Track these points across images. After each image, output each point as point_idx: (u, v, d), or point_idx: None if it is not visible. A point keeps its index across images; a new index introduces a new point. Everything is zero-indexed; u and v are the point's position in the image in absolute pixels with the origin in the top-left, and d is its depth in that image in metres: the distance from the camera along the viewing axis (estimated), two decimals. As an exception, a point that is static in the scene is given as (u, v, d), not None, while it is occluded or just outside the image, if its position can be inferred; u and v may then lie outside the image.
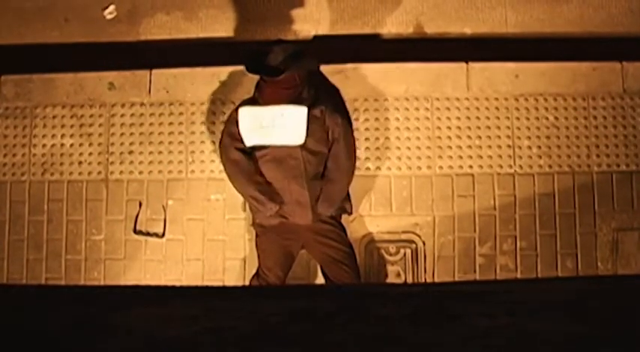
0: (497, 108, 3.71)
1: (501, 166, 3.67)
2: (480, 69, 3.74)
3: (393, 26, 4.04)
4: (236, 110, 3.39)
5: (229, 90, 3.76)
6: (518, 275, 3.58)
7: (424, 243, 3.63)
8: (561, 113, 3.70)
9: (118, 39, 4.09)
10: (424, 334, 1.15)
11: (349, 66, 3.75)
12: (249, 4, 4.09)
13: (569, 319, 1.17)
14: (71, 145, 3.78)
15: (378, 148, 3.69)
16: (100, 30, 4.11)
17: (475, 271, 3.61)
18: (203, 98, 3.77)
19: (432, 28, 4.03)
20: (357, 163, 3.57)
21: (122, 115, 3.79)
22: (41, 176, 3.77)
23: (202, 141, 3.74)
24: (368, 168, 3.67)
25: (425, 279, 3.61)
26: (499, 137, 3.69)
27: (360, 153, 3.66)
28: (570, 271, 3.58)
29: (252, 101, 3.39)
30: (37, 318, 1.22)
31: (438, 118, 3.71)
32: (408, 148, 3.69)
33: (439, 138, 3.69)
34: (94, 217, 3.72)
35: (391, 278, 3.63)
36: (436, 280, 3.61)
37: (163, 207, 3.71)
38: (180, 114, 3.77)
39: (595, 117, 3.70)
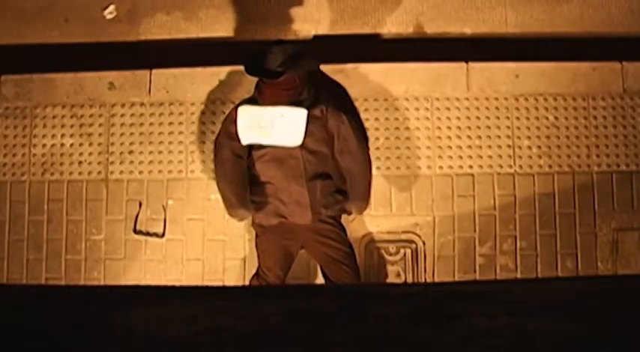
0: (497, 108, 3.71)
1: (501, 166, 3.67)
2: (480, 69, 3.74)
3: (393, 26, 4.04)
4: (235, 109, 3.38)
5: (229, 90, 3.76)
6: (518, 275, 3.59)
7: (424, 243, 3.63)
8: (561, 113, 3.70)
9: (118, 39, 4.09)
10: (424, 334, 1.15)
11: (349, 66, 3.75)
12: (249, 4, 4.09)
13: (569, 319, 1.17)
14: (71, 145, 3.78)
15: (378, 148, 3.69)
16: (100, 30, 4.11)
17: (475, 271, 3.61)
18: (203, 98, 3.77)
19: (432, 28, 4.03)
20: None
21: (122, 115, 3.79)
22: (41, 176, 3.77)
23: (202, 141, 3.74)
24: (368, 168, 3.67)
25: (425, 279, 3.61)
26: (499, 137, 3.69)
27: (360, 153, 3.66)
28: (570, 271, 3.58)
29: (251, 101, 3.39)
30: (37, 318, 1.22)
31: (438, 118, 3.71)
32: (408, 148, 3.69)
33: (439, 138, 3.69)
34: (94, 217, 3.72)
35: (391, 278, 3.63)
36: (436, 280, 3.61)
37: (163, 206, 3.71)
38: (180, 114, 3.77)
39: (595, 117, 3.70)
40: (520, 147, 3.67)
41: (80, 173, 3.76)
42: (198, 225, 3.67)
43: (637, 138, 3.68)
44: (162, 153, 3.75)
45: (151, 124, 3.77)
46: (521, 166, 3.66)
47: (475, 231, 3.63)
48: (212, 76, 3.78)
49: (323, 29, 4.04)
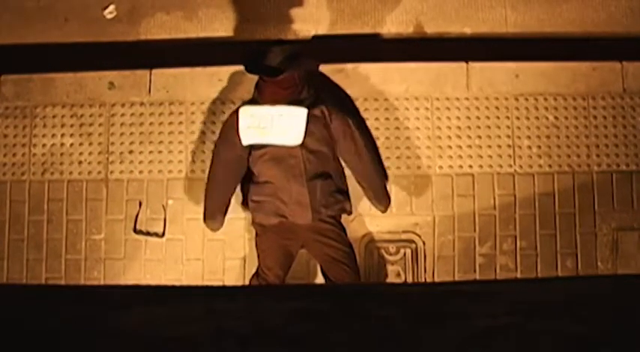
0: (497, 108, 3.71)
1: (501, 166, 3.67)
2: (480, 69, 3.74)
3: (392, 26, 4.04)
4: (236, 111, 3.40)
5: (229, 90, 3.75)
6: (518, 275, 3.59)
7: (424, 243, 3.63)
8: (561, 113, 3.70)
9: (118, 38, 4.09)
10: (424, 334, 1.15)
11: (349, 65, 3.75)
12: (249, 4, 4.09)
13: (569, 319, 1.17)
14: (71, 145, 3.78)
15: (377, 148, 3.69)
16: (100, 29, 4.10)
17: (475, 271, 3.61)
18: (203, 97, 3.77)
19: (432, 28, 4.03)
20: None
21: (122, 115, 3.79)
22: (41, 176, 3.77)
23: (202, 141, 3.74)
24: (368, 168, 3.67)
25: (425, 279, 3.61)
26: (499, 137, 3.69)
27: (360, 152, 3.66)
28: (570, 271, 3.58)
29: (252, 101, 3.40)
30: (37, 318, 1.22)
31: (438, 118, 3.71)
32: (408, 148, 3.69)
33: (439, 137, 3.69)
34: (94, 217, 3.72)
35: (391, 278, 3.63)
36: (436, 280, 3.61)
37: (163, 206, 3.71)
38: (180, 113, 3.77)
39: (595, 117, 3.70)
40: (520, 147, 3.67)
41: (80, 173, 3.76)
42: (198, 224, 3.67)
43: (637, 137, 3.68)
44: (162, 152, 3.75)
45: (151, 124, 3.77)
46: (521, 166, 3.66)
47: (475, 230, 3.63)
48: (212, 75, 3.78)
49: (323, 29, 4.04)
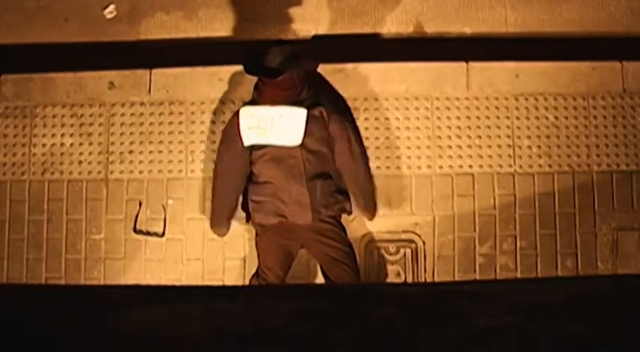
0: (497, 108, 3.71)
1: (501, 166, 3.67)
2: (480, 68, 3.74)
3: (392, 26, 4.04)
4: (236, 113, 3.40)
5: (229, 90, 3.76)
6: (518, 275, 3.59)
7: (424, 243, 3.63)
8: (561, 113, 3.70)
9: (118, 38, 4.08)
10: (424, 334, 1.15)
11: (349, 65, 3.75)
12: (249, 4, 4.09)
13: (569, 319, 1.17)
14: (71, 145, 3.78)
15: (378, 148, 3.69)
16: (100, 29, 4.10)
17: (475, 271, 3.61)
18: (203, 97, 3.77)
19: (432, 28, 4.03)
20: (357, 163, 3.59)
21: (122, 115, 3.79)
22: (41, 175, 3.76)
23: (202, 141, 3.74)
24: (368, 168, 3.67)
25: (425, 279, 3.61)
26: (499, 137, 3.69)
27: (360, 152, 3.66)
28: (570, 271, 3.58)
29: (251, 102, 3.41)
30: (37, 318, 1.22)
31: (438, 118, 3.71)
32: (408, 148, 3.69)
33: (439, 137, 3.69)
34: (94, 216, 3.72)
35: (391, 278, 3.63)
36: (436, 280, 3.61)
37: (163, 206, 3.71)
38: (180, 113, 3.77)
39: (595, 117, 3.70)
40: (520, 147, 3.67)
41: (80, 172, 3.76)
42: (198, 224, 3.67)
43: (637, 137, 3.68)
44: (162, 152, 3.75)
45: (150, 124, 3.77)
46: (521, 166, 3.66)
47: (475, 230, 3.63)
48: (212, 75, 3.78)
49: (323, 29, 4.04)
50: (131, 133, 3.77)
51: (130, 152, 3.76)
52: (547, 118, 3.70)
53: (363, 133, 3.69)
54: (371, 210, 3.54)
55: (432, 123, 3.71)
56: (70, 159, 3.77)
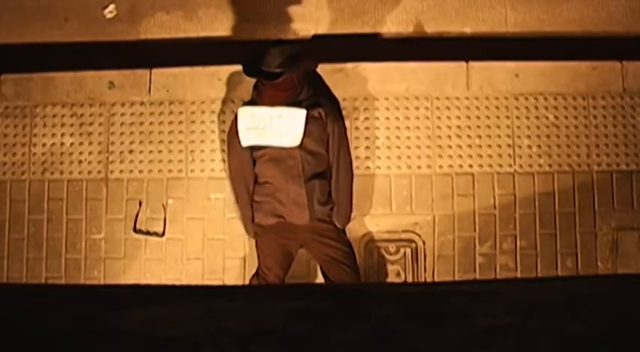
0: (497, 108, 3.71)
1: (501, 165, 3.67)
2: (480, 68, 3.74)
3: (392, 25, 4.04)
4: (236, 114, 3.40)
5: (229, 89, 3.76)
6: (518, 275, 3.59)
7: (424, 243, 3.63)
8: (561, 112, 3.70)
9: (118, 38, 4.08)
10: (424, 333, 1.15)
11: (349, 65, 3.75)
12: (249, 4, 4.09)
13: (569, 319, 1.17)
14: (71, 144, 3.78)
15: (378, 147, 3.69)
16: (100, 29, 4.10)
17: (475, 270, 3.61)
18: (203, 97, 3.77)
19: (432, 28, 4.02)
20: (357, 163, 3.59)
21: (122, 114, 3.79)
22: (41, 175, 3.76)
23: (202, 140, 3.74)
24: (368, 168, 3.67)
25: (425, 279, 3.61)
26: (499, 136, 3.69)
27: (360, 152, 3.67)
28: (570, 270, 3.58)
29: (251, 102, 3.41)
30: (37, 318, 1.22)
31: (438, 117, 3.71)
32: (408, 147, 3.69)
33: (439, 137, 3.69)
34: (94, 216, 3.72)
35: (391, 278, 3.63)
36: (436, 279, 3.61)
37: (163, 206, 3.71)
38: (180, 113, 3.77)
39: (595, 117, 3.70)
40: (520, 147, 3.67)
41: (80, 172, 3.75)
42: (198, 224, 3.67)
43: (637, 137, 3.68)
44: (162, 152, 3.75)
45: (150, 123, 3.77)
46: (521, 165, 3.66)
47: (475, 230, 3.63)
48: (212, 75, 3.78)
49: (322, 28, 4.03)
50: (131, 133, 3.77)
51: (130, 152, 3.76)
52: (547, 118, 3.70)
53: (364, 133, 3.69)
54: (341, 221, 3.45)
55: (432, 122, 3.70)
56: (70, 158, 3.77)
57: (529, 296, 1.35)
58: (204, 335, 1.14)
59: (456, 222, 3.63)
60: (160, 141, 3.76)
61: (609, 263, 3.60)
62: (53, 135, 3.80)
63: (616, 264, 3.60)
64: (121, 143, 3.77)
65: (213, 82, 3.77)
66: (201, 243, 3.68)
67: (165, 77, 3.81)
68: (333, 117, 3.41)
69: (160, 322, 1.20)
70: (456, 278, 3.61)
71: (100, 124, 3.79)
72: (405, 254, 3.64)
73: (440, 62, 3.76)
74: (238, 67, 3.59)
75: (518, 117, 3.70)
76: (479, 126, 3.69)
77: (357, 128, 3.69)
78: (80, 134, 3.79)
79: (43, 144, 3.79)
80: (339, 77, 3.73)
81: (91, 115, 3.80)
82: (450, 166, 3.67)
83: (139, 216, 3.70)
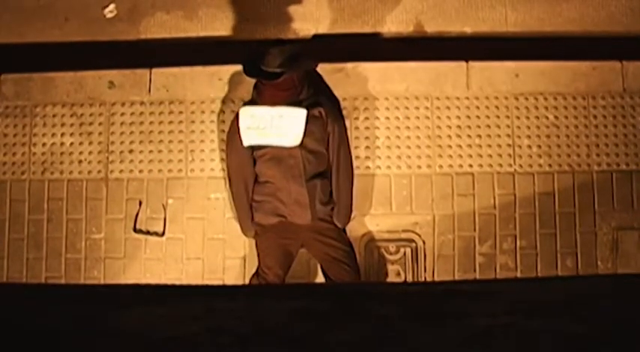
0: (497, 108, 3.71)
1: (501, 165, 3.67)
2: (480, 68, 3.74)
3: (392, 25, 4.03)
4: (237, 114, 3.40)
5: (229, 89, 3.75)
6: (518, 275, 3.59)
7: (424, 242, 3.63)
8: (561, 112, 3.70)
9: (118, 38, 4.08)
10: (424, 333, 1.15)
11: (349, 65, 3.75)
12: (249, 4, 4.09)
13: (569, 318, 1.17)
14: (71, 144, 3.78)
15: (378, 147, 3.69)
16: (100, 29, 4.10)
17: (475, 270, 3.61)
18: (203, 97, 3.77)
19: (431, 27, 4.02)
20: (357, 162, 3.59)
21: (122, 114, 3.79)
22: (41, 175, 3.76)
23: (202, 140, 3.74)
24: (368, 167, 3.67)
25: (425, 278, 3.61)
26: (499, 136, 3.69)
27: (360, 152, 3.66)
28: (570, 270, 3.58)
29: (251, 102, 3.41)
30: (37, 318, 1.22)
31: (438, 117, 3.71)
32: (408, 147, 3.69)
33: (439, 137, 3.69)
34: (94, 216, 3.72)
35: (391, 277, 3.63)
36: (436, 279, 3.61)
37: (163, 205, 3.71)
38: (180, 112, 3.77)
39: (595, 117, 3.70)
40: (520, 147, 3.67)
41: (80, 172, 3.75)
42: (198, 223, 3.67)
43: (637, 137, 3.68)
44: (162, 152, 3.75)
45: (150, 123, 3.77)
46: (521, 165, 3.66)
47: (475, 230, 3.63)
48: (212, 75, 3.78)
49: (323, 28, 4.03)
50: (131, 133, 3.77)
51: (130, 151, 3.76)
52: (547, 118, 3.70)
53: (364, 133, 3.69)
54: (342, 220, 3.46)
55: (432, 122, 3.70)
56: (70, 158, 3.77)
57: (529, 296, 1.35)
58: (204, 334, 1.14)
59: (456, 222, 3.63)
60: (160, 141, 3.75)
61: (609, 263, 3.60)
62: (53, 135, 3.80)
63: (616, 263, 3.60)
64: (121, 143, 3.77)
65: (213, 81, 3.77)
66: (201, 242, 3.68)
67: (166, 77, 3.80)
68: (333, 116, 3.42)
69: (160, 322, 1.20)
70: (456, 277, 3.61)
71: (100, 124, 3.79)
72: (405, 253, 3.64)
73: (440, 62, 3.76)
74: (238, 67, 3.59)
75: (518, 117, 3.70)
76: (479, 126, 3.69)
77: (357, 128, 3.69)
78: (80, 134, 3.79)
79: (43, 144, 3.79)
80: (339, 77, 3.73)
81: (91, 115, 3.80)
82: (450, 166, 3.67)
83: (139, 215, 3.70)
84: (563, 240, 3.61)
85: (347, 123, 3.61)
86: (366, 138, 3.69)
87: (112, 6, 4.11)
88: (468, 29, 4.01)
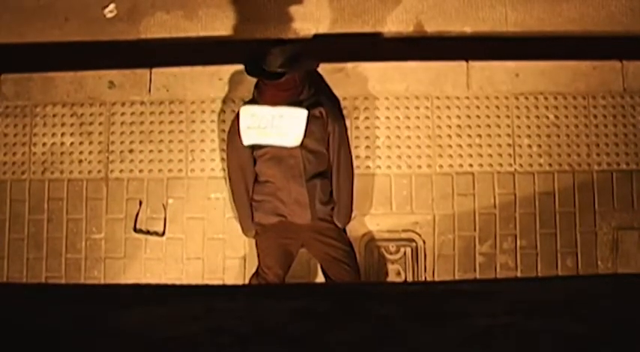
0: (497, 107, 3.70)
1: (501, 165, 3.67)
2: (480, 68, 3.74)
3: (393, 25, 4.03)
4: (238, 113, 3.41)
5: (229, 89, 3.75)
6: (519, 274, 3.59)
7: (424, 242, 3.63)
8: (561, 112, 3.70)
9: (118, 37, 4.08)
10: (424, 333, 1.15)
11: (349, 64, 3.75)
12: (249, 3, 4.09)
13: (569, 318, 1.17)
14: (71, 144, 3.78)
15: (378, 147, 3.69)
16: (100, 29, 4.10)
17: (475, 270, 3.61)
18: (203, 97, 3.77)
19: (432, 27, 4.02)
20: (358, 162, 3.59)
21: (122, 114, 3.79)
22: (41, 175, 3.77)
23: (202, 140, 3.74)
24: (368, 167, 3.67)
25: (425, 278, 3.61)
26: (499, 136, 3.69)
27: (361, 151, 3.67)
28: (570, 270, 3.58)
29: (252, 101, 3.41)
30: (37, 318, 1.22)
31: (438, 117, 3.71)
32: (408, 147, 3.69)
33: (439, 136, 3.69)
34: (94, 216, 3.72)
35: (391, 277, 3.63)
36: (436, 279, 3.61)
37: (163, 205, 3.71)
38: (181, 112, 3.77)
39: (595, 116, 3.70)
40: (520, 146, 3.67)
41: (80, 172, 3.76)
42: (198, 223, 3.67)
43: (637, 137, 3.68)
44: (162, 151, 3.75)
45: (151, 123, 3.77)
46: (521, 165, 3.66)
47: (475, 229, 3.63)
48: (212, 74, 3.78)
49: (323, 28, 4.03)
50: (131, 132, 3.77)
51: (130, 151, 3.76)
52: (547, 117, 3.70)
53: (364, 132, 3.69)
54: (342, 220, 3.45)
55: (432, 122, 3.70)
56: (70, 158, 3.77)
57: (529, 296, 1.35)
58: (204, 334, 1.14)
59: (456, 222, 3.63)
60: (160, 141, 3.76)
61: (609, 262, 3.60)
62: (53, 134, 3.80)
63: (616, 263, 3.60)
64: (121, 143, 3.77)
65: (213, 81, 3.77)
66: (201, 242, 3.68)
67: (166, 77, 3.81)
68: (333, 116, 3.42)
69: (160, 322, 1.20)
70: (456, 277, 3.61)
71: (100, 124, 3.79)
72: (405, 253, 3.64)
73: (440, 62, 3.76)
74: (239, 67, 3.60)
75: (518, 117, 3.70)
76: (479, 126, 3.69)
77: (357, 127, 3.69)
78: (80, 134, 3.79)
79: (43, 144, 3.79)
80: (339, 77, 3.73)
81: (91, 115, 3.80)
82: (450, 166, 3.67)
83: (139, 215, 3.70)
84: (563, 240, 3.61)
85: (347, 123, 3.61)
86: (367, 137, 3.69)
87: (112, 6, 4.11)
88: (468, 29, 4.01)
